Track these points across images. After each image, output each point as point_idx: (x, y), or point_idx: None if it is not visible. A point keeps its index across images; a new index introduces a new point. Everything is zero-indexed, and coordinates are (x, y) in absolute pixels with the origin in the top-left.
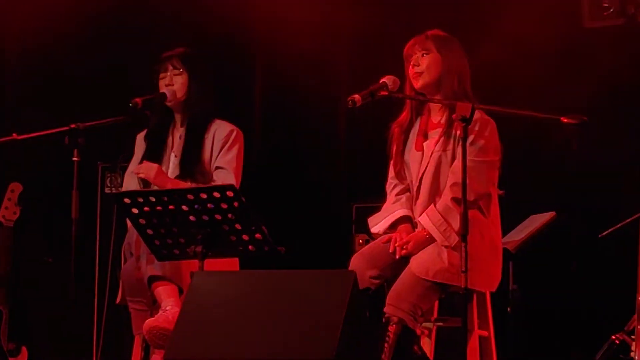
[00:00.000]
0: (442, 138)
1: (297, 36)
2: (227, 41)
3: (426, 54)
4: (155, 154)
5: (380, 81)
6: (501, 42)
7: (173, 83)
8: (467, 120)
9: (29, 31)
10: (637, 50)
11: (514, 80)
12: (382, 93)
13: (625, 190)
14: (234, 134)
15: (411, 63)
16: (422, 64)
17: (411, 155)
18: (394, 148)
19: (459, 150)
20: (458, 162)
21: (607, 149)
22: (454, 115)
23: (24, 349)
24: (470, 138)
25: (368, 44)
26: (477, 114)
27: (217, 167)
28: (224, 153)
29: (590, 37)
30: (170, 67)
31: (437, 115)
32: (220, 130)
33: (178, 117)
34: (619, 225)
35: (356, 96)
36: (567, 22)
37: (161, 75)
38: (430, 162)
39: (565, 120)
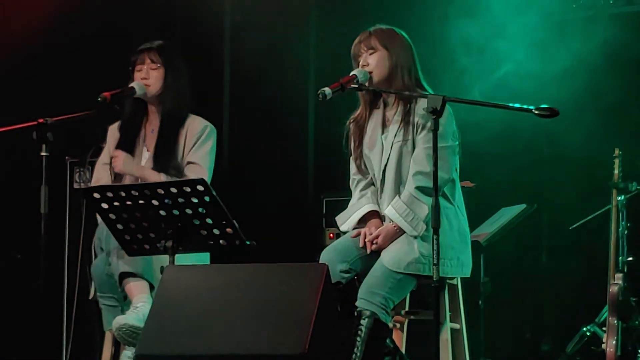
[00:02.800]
0: (401, 129)
1: (264, 31)
2: (194, 35)
3: (373, 52)
4: (127, 147)
5: (351, 74)
6: None
7: (149, 77)
8: (437, 112)
9: None
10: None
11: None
12: (352, 86)
13: (596, 183)
14: (208, 129)
15: (360, 63)
16: (370, 63)
17: (371, 148)
18: (353, 144)
19: (419, 138)
20: (419, 151)
21: (578, 141)
22: (423, 108)
23: None
24: (428, 125)
25: (335, 33)
26: None
27: (189, 162)
28: (196, 148)
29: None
30: (148, 61)
31: (392, 108)
32: (194, 126)
33: (152, 110)
34: (589, 217)
35: (326, 89)
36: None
37: (138, 67)
38: (391, 153)
39: (537, 111)
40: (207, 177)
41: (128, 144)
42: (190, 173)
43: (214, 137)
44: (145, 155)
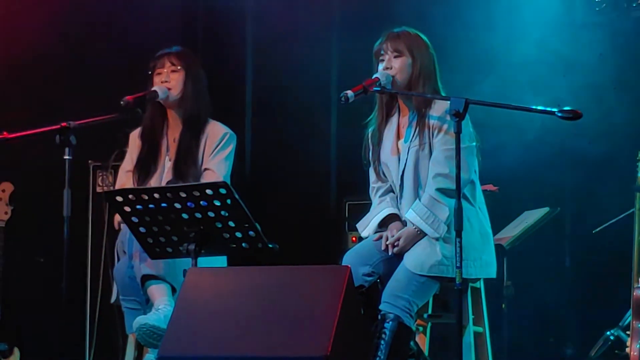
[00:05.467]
0: (417, 133)
1: (287, 33)
2: (216, 40)
3: (398, 56)
4: (149, 156)
5: (373, 77)
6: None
7: (169, 80)
8: (460, 115)
9: (18, 29)
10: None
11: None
12: (375, 88)
13: (619, 186)
14: (227, 136)
15: (384, 65)
16: (394, 67)
17: (388, 155)
18: (371, 152)
19: (436, 141)
20: (438, 154)
21: (601, 144)
22: (445, 110)
23: (15, 349)
24: (444, 128)
25: (358, 36)
26: (445, 104)
27: (205, 169)
28: (214, 155)
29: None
30: (168, 64)
31: (406, 113)
32: (213, 132)
33: (172, 116)
34: (613, 221)
35: (349, 92)
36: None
37: (157, 70)
38: (408, 158)
39: (560, 114)
40: None
41: (150, 153)
42: (205, 180)
43: (233, 144)
44: (167, 164)
